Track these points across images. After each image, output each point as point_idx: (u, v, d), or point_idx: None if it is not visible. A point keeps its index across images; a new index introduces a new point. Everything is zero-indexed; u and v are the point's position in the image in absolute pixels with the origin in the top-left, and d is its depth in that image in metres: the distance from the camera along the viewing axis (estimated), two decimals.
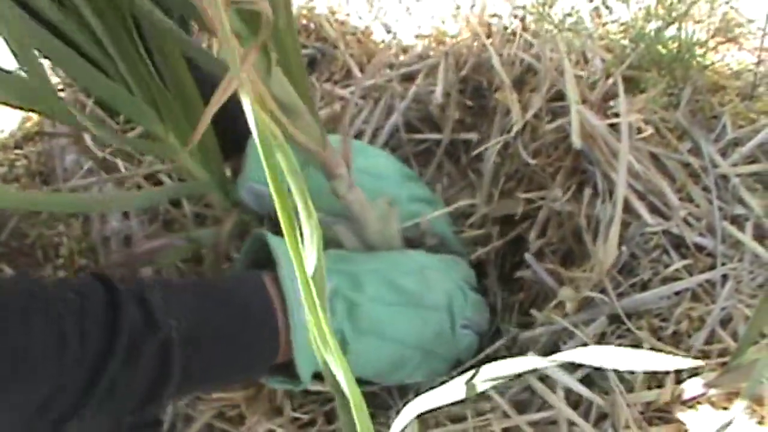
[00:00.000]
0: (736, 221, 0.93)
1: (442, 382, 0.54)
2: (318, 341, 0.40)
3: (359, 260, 0.85)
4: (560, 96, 1.02)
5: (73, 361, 0.56)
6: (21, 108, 0.62)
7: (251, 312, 0.72)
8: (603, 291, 0.87)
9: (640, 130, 0.97)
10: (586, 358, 0.38)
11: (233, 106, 0.85)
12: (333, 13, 1.26)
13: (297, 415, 0.83)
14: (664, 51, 1.06)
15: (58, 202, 0.71)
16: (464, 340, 0.89)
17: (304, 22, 1.25)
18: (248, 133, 0.81)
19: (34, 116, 1.32)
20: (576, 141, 0.93)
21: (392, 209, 0.89)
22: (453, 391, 0.51)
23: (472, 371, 0.51)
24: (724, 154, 0.98)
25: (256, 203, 0.93)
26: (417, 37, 1.17)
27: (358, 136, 1.06)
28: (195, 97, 0.72)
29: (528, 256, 0.93)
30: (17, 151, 1.27)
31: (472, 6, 1.18)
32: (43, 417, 0.56)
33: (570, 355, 0.42)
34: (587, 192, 0.94)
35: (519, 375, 0.84)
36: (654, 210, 0.92)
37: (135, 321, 0.61)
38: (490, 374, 0.44)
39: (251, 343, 0.72)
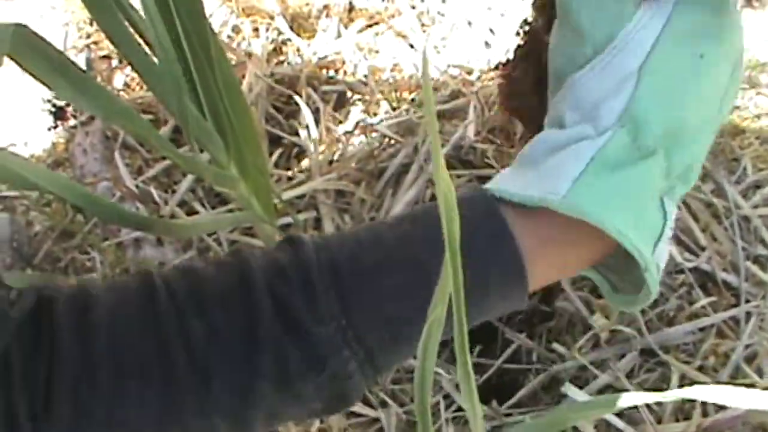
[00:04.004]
0: (758, 261, 0.96)
1: None
2: None
3: None
4: None
5: (183, 371, 0.47)
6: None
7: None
8: (630, 324, 0.90)
9: None
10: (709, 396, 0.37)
11: None
12: (361, 49, 1.29)
13: None
14: None
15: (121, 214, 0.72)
16: None
17: (334, 56, 1.28)
18: None
19: (63, 140, 1.34)
20: None
21: None
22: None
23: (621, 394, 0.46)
24: (745, 195, 1.02)
25: None
26: (445, 74, 1.21)
27: (398, 175, 1.08)
28: (254, 132, 0.75)
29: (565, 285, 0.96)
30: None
31: (506, 51, 1.21)
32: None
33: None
34: None
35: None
36: (682, 246, 0.95)
37: (288, 359, 0.48)
38: (642, 399, 0.42)
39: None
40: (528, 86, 0.55)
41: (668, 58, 0.48)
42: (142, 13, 0.69)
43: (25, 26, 0.57)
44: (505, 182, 0.51)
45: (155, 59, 0.72)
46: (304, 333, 0.47)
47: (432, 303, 0.35)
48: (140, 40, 0.72)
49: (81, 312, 0.47)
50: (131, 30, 0.70)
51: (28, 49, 0.59)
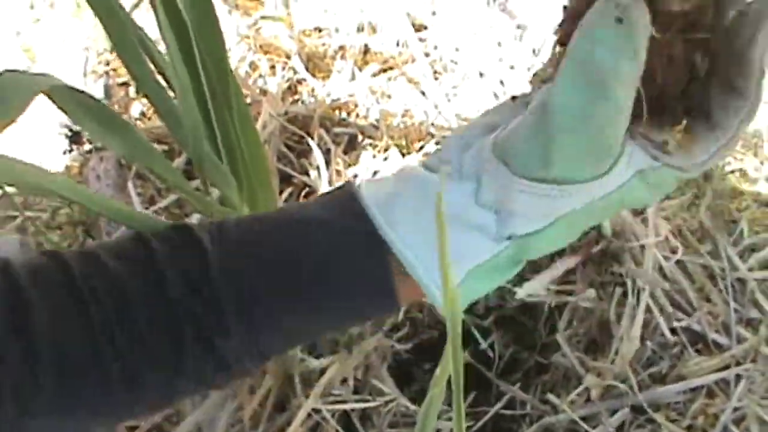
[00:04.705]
0: (751, 324, 0.98)
1: None
2: None
3: None
4: None
5: (116, 377, 0.52)
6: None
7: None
8: (624, 381, 0.92)
9: (666, 238, 1.03)
10: None
11: None
12: (374, 93, 1.32)
13: None
14: None
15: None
16: None
17: (347, 98, 1.31)
18: None
19: (77, 164, 1.37)
20: (606, 228, 0.99)
21: None
22: None
23: None
24: (741, 257, 1.04)
25: None
26: (458, 123, 1.24)
27: None
28: (267, 173, 0.78)
29: (561, 342, 0.98)
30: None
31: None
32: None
33: None
34: (616, 289, 0.99)
35: None
36: (676, 306, 0.98)
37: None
38: None
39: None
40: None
41: (578, 221, 0.50)
42: (163, 51, 0.73)
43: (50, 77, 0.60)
44: (401, 222, 0.52)
45: (175, 101, 0.75)
46: (214, 345, 0.53)
47: (432, 381, 0.39)
48: (161, 79, 0.76)
49: (18, 314, 0.50)
50: (153, 68, 0.73)
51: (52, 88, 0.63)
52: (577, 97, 0.44)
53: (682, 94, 0.46)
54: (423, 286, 0.50)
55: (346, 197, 0.54)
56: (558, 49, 0.50)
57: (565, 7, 0.49)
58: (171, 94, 0.77)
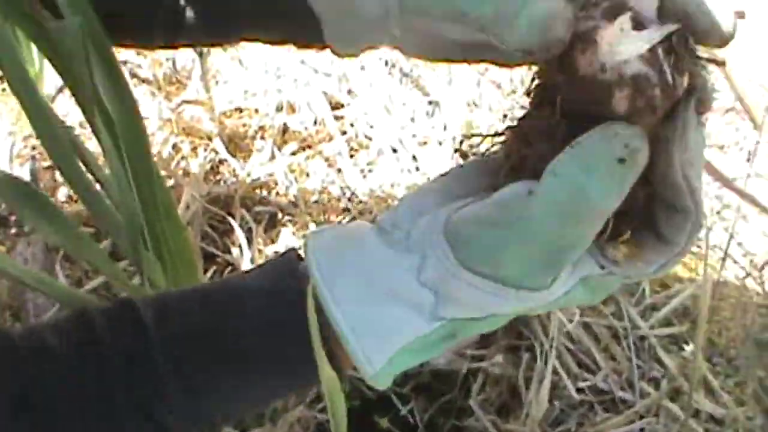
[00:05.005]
0: (653, 379, 1.05)
1: None
2: None
3: None
4: None
5: None
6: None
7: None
8: None
9: None
10: None
11: None
12: (293, 171, 1.37)
13: None
14: None
15: None
16: None
17: (267, 178, 1.36)
18: None
19: (5, 248, 1.38)
20: None
21: None
22: None
23: None
24: (643, 316, 1.11)
25: None
26: (373, 198, 1.29)
27: None
28: (191, 256, 0.83)
29: (475, 407, 1.02)
30: None
31: (429, 179, 1.31)
32: None
33: None
34: (525, 353, 1.05)
35: None
36: (582, 366, 1.04)
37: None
38: None
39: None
40: (543, 130, 0.48)
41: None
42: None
43: None
44: (337, 283, 0.51)
45: (97, 186, 0.79)
46: (153, 415, 0.53)
47: None
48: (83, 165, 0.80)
49: None
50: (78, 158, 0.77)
51: None
52: (551, 217, 0.43)
53: (635, 210, 0.46)
54: (349, 349, 0.49)
55: (288, 261, 0.55)
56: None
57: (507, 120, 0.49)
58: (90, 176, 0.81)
